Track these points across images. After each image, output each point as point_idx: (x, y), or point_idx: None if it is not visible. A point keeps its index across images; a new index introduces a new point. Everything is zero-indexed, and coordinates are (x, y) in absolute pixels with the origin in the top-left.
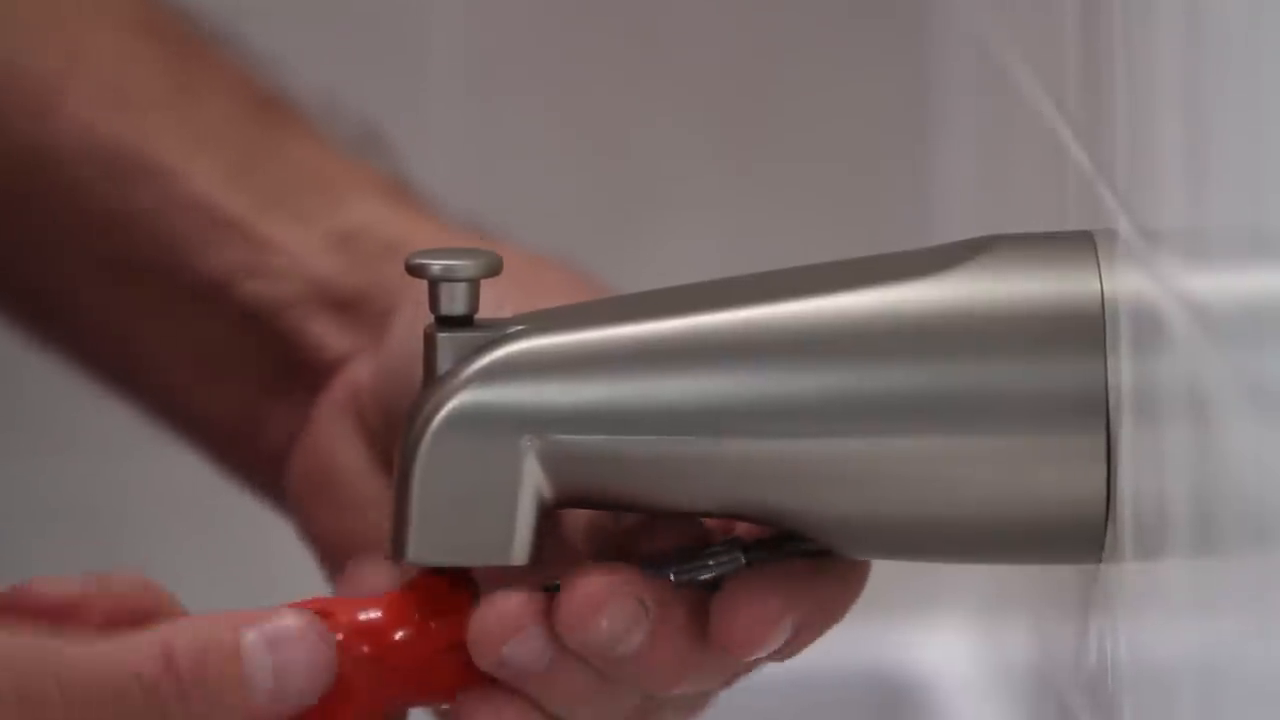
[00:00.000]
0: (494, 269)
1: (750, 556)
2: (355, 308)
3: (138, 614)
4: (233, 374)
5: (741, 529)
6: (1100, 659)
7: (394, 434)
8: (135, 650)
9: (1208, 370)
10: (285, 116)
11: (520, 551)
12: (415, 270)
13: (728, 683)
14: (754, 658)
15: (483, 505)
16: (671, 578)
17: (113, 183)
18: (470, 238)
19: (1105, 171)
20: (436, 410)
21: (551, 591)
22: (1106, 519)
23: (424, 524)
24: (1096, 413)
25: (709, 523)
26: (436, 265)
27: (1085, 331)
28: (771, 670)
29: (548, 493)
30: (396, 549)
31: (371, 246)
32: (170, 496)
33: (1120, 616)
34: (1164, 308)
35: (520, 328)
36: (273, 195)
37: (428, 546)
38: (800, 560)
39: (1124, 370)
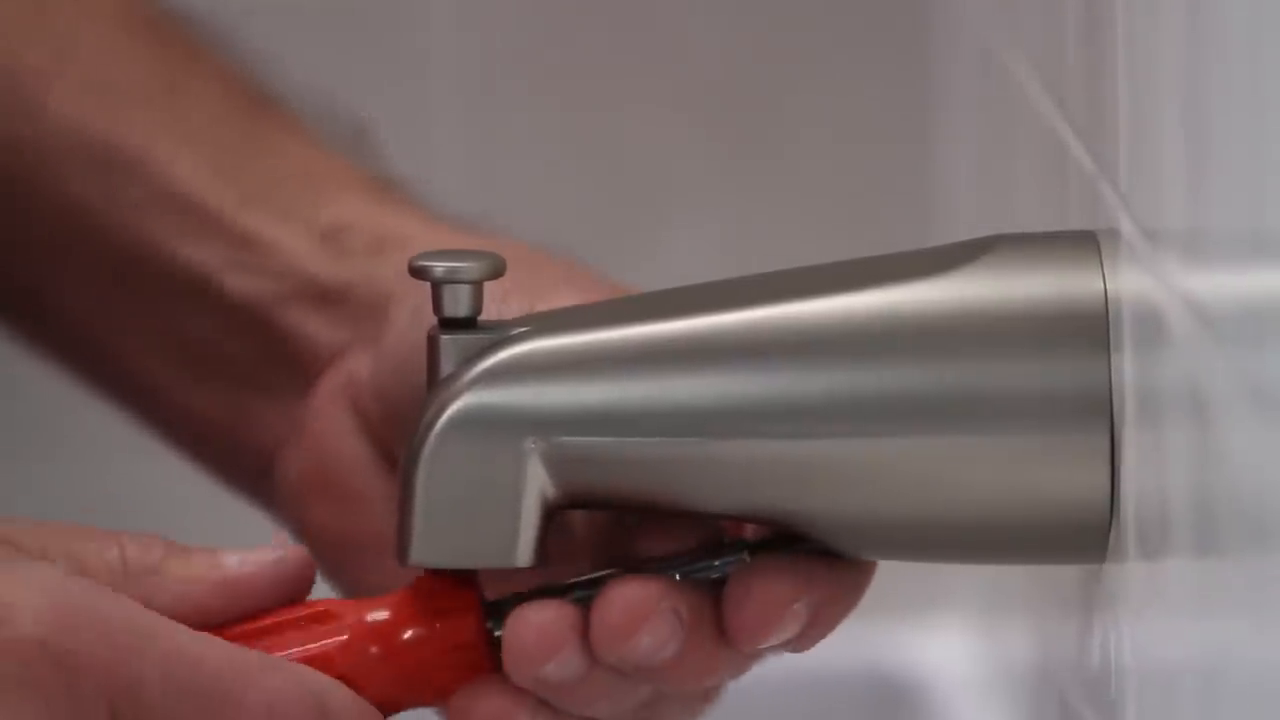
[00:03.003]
0: (497, 271)
1: (755, 558)
2: (345, 302)
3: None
4: (219, 370)
5: (748, 530)
6: (1103, 659)
7: (394, 428)
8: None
9: (1209, 370)
10: (273, 113)
11: (525, 554)
12: (418, 272)
13: (741, 672)
14: (768, 644)
15: (487, 508)
16: (677, 577)
17: (99, 178)
18: (461, 233)
19: (1107, 171)
20: (440, 413)
21: (577, 601)
22: (1110, 519)
23: (427, 526)
24: (1100, 412)
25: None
26: (440, 267)
27: (1089, 331)
28: (772, 670)
29: (552, 495)
30: (400, 551)
31: (360, 241)
32: (170, 500)
33: (1124, 616)
34: (1165, 307)
35: (523, 329)
36: (259, 191)
37: (431, 549)
38: (808, 553)
39: (1127, 370)
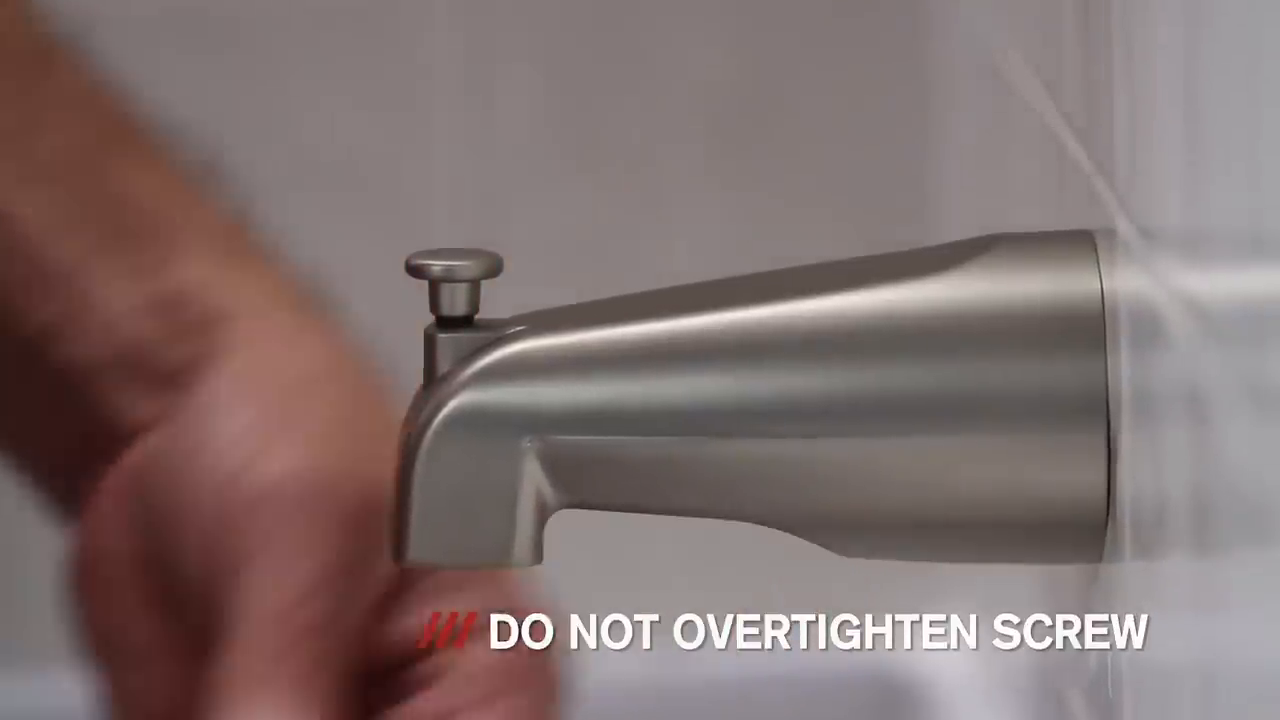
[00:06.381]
0: (494, 270)
1: None
2: (163, 378)
3: None
4: (51, 439)
5: None
6: (1100, 659)
7: (149, 519)
8: None
9: (1207, 370)
10: (129, 144)
11: (522, 553)
12: (416, 271)
13: None
14: None
15: (483, 507)
16: None
17: None
18: (299, 298)
19: (1104, 171)
20: (436, 411)
21: None
22: (1107, 518)
23: (424, 525)
24: (1097, 412)
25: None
26: (437, 266)
27: (1086, 331)
28: (772, 670)
29: (549, 494)
30: (397, 550)
31: (191, 315)
32: None
33: (1121, 616)
34: (1163, 307)
35: (520, 328)
36: (103, 243)
37: (428, 547)
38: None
39: (1124, 370)
